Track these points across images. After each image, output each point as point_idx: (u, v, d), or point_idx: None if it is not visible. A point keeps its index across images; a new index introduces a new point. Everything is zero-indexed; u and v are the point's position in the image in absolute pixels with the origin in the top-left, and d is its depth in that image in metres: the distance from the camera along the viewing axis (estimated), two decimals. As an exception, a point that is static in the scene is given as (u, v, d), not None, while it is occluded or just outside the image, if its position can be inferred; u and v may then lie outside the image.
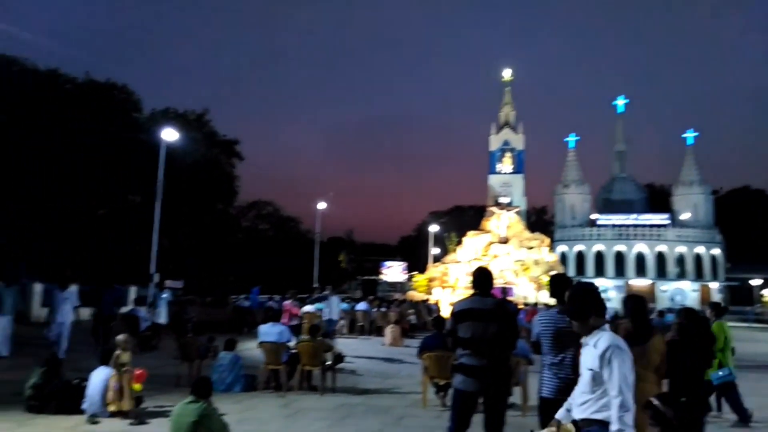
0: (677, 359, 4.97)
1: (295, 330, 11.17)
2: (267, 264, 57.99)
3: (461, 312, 5.08)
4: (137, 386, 7.87)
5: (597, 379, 3.39)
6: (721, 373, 8.08)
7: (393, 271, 63.37)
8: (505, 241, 44.47)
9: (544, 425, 4.84)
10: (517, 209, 48.26)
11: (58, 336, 11.78)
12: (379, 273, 63.72)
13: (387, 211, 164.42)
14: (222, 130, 45.71)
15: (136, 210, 35.77)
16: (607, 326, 3.51)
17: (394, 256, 71.35)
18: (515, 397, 7.52)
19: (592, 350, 3.44)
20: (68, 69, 40.07)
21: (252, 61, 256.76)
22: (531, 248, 43.94)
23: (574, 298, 3.60)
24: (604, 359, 3.36)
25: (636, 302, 4.77)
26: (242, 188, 42.80)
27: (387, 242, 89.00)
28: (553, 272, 5.75)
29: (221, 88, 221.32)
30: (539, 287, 37.95)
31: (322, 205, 47.55)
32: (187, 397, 5.22)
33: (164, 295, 17.17)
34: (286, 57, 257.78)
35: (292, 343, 10.31)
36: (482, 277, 5.21)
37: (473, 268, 5.37)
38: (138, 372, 8.04)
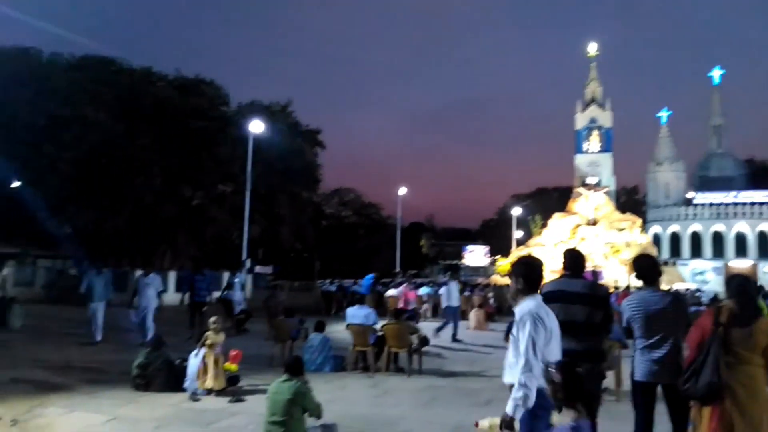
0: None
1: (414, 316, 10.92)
2: (350, 249, 59.13)
3: (549, 294, 4.94)
4: (233, 366, 8.27)
5: (515, 345, 3.49)
6: None
7: (475, 256, 62.89)
8: (593, 222, 43.11)
9: (637, 408, 4.69)
10: (605, 189, 46.55)
11: (142, 320, 12.52)
12: (460, 257, 63.43)
13: (468, 194, 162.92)
14: (304, 118, 46.93)
15: (227, 199, 37.34)
16: (538, 297, 3.63)
17: (475, 240, 70.80)
18: (609, 381, 7.31)
19: (516, 317, 3.56)
20: (160, 66, 42.27)
21: (329, 47, 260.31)
22: (621, 230, 42.37)
23: (512, 264, 3.86)
24: (519, 324, 3.47)
25: (740, 282, 4.45)
26: (324, 175, 43.71)
27: (468, 226, 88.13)
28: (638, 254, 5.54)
29: (302, 76, 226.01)
30: (630, 270, 36.50)
31: (402, 191, 47.86)
32: (281, 376, 5.41)
33: (237, 280, 17.66)
34: (364, 42, 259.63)
35: (378, 326, 10.47)
36: (572, 259, 5.06)
37: (559, 251, 5.25)
38: (234, 353, 8.46)
